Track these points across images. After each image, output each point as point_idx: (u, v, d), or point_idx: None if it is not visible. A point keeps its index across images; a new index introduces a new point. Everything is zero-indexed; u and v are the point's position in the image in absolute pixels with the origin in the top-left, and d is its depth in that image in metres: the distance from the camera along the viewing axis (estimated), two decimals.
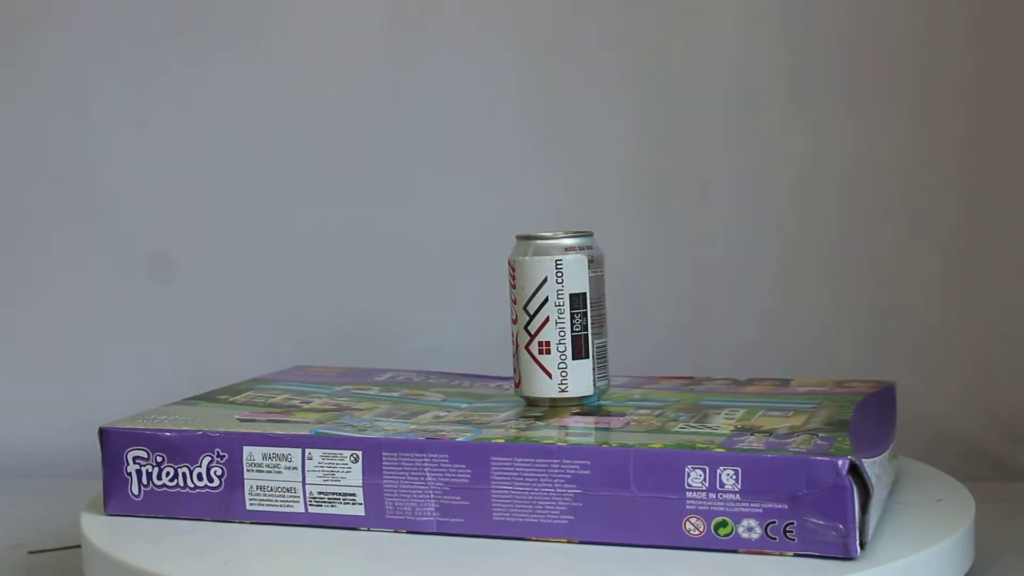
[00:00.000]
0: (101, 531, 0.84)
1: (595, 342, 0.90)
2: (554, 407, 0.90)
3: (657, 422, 0.84)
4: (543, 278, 0.89)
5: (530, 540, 0.79)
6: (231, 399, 0.96)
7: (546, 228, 0.92)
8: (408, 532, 0.81)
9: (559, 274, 0.89)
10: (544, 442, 0.79)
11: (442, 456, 0.81)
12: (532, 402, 0.91)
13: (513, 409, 0.90)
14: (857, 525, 0.74)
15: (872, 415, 0.88)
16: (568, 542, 0.78)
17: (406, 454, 0.81)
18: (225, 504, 0.85)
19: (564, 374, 0.89)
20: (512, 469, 0.79)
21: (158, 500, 0.86)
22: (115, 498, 0.87)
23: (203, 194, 1.28)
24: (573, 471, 0.78)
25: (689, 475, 0.76)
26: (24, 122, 1.29)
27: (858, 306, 1.22)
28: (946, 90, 1.19)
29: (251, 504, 0.84)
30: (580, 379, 0.90)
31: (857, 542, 0.74)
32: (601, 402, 0.91)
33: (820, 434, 0.79)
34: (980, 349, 1.20)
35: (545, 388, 0.90)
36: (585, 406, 0.90)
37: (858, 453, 0.75)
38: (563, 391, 0.89)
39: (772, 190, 1.23)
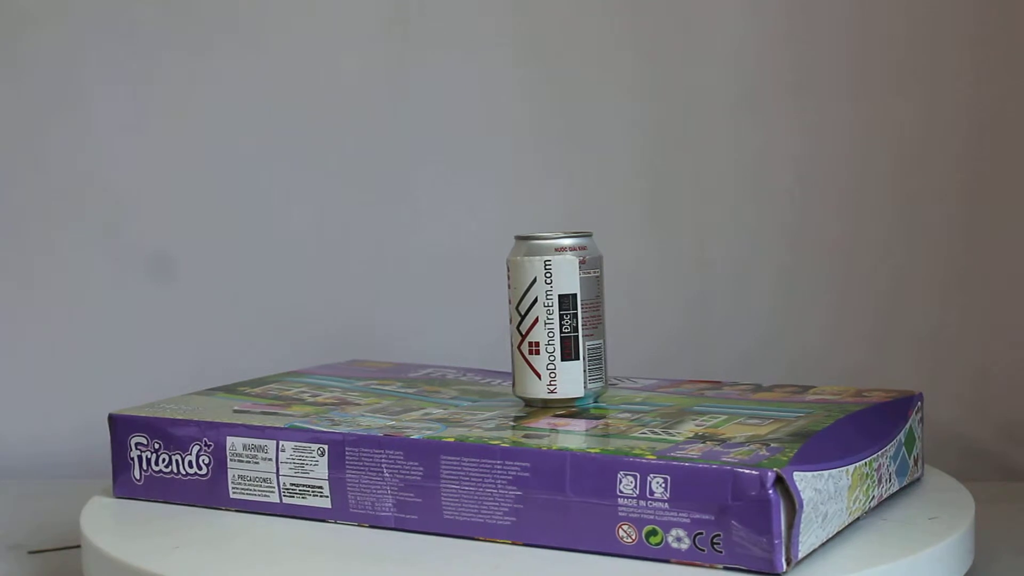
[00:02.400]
0: (101, 531, 0.85)
1: (587, 344, 0.89)
2: (546, 408, 0.90)
3: (624, 426, 0.83)
4: (532, 278, 0.89)
5: (478, 540, 0.79)
6: (250, 390, 0.99)
7: (547, 229, 0.92)
8: (370, 527, 0.83)
9: (548, 275, 0.89)
10: (490, 443, 0.79)
11: (397, 453, 0.82)
12: (528, 403, 0.91)
13: (502, 409, 0.90)
14: (783, 540, 0.71)
15: (867, 426, 0.84)
16: (512, 543, 0.78)
17: (366, 450, 0.83)
18: (212, 491, 0.88)
19: (553, 375, 0.89)
20: (460, 468, 0.80)
21: (156, 485, 0.90)
22: (120, 481, 0.92)
23: (203, 194, 1.29)
24: (514, 472, 0.78)
25: (621, 481, 0.75)
26: (24, 122, 1.29)
27: (859, 308, 1.22)
28: (948, 90, 1.19)
29: (234, 492, 0.87)
30: (570, 381, 0.89)
31: (783, 558, 0.71)
32: (595, 404, 0.90)
33: (772, 444, 0.77)
34: (981, 350, 1.20)
35: (535, 389, 0.89)
36: (576, 408, 0.89)
37: (799, 466, 0.72)
38: (552, 392, 0.89)
39: (774, 191, 1.23)
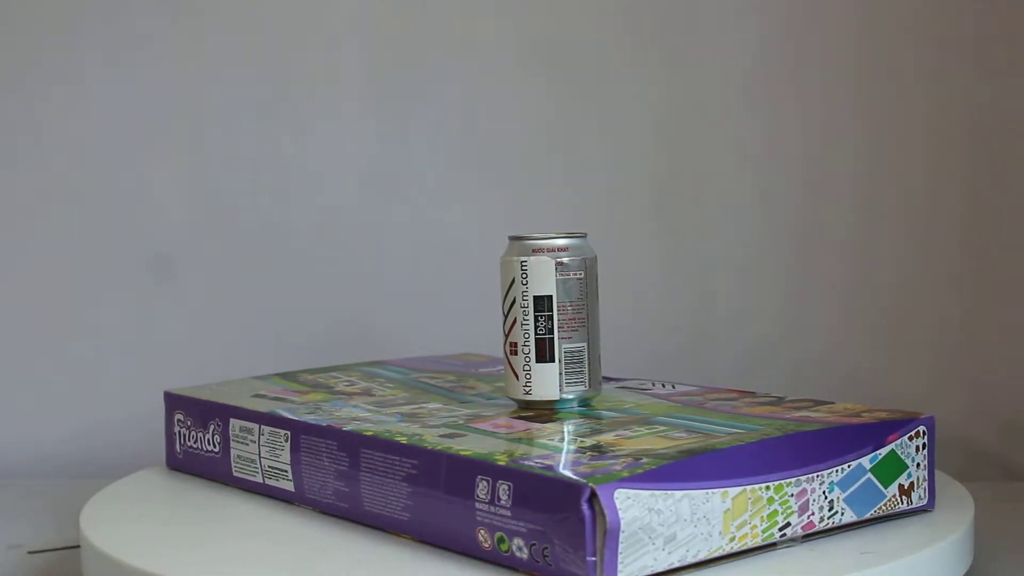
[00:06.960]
0: (101, 531, 0.85)
1: (564, 346, 0.88)
2: (526, 409, 0.90)
3: (551, 430, 0.82)
4: (512, 279, 0.89)
5: (390, 532, 0.81)
6: (307, 376, 1.05)
7: (546, 229, 0.92)
8: (321, 512, 0.87)
9: (524, 275, 0.88)
10: (395, 439, 0.81)
11: (332, 443, 0.85)
12: (520, 404, 0.91)
13: (482, 408, 0.91)
14: (598, 559, 0.68)
15: (808, 449, 0.78)
16: (413, 539, 0.80)
17: (314, 438, 0.87)
18: (221, 468, 0.95)
19: (529, 376, 0.89)
20: (373, 462, 0.82)
21: (190, 459, 0.99)
22: (170, 454, 1.01)
23: (203, 194, 1.29)
24: (407, 469, 0.79)
25: (478, 486, 0.75)
26: (23, 121, 1.29)
27: (861, 310, 1.24)
28: (955, 90, 1.19)
29: (235, 471, 0.94)
30: (545, 383, 0.88)
31: None
32: (579, 408, 0.89)
33: (643, 459, 0.73)
34: (981, 350, 1.22)
35: (514, 389, 0.90)
36: (552, 410, 0.88)
37: (635, 484, 0.69)
38: (527, 393, 0.89)
39: (779, 193, 1.23)
